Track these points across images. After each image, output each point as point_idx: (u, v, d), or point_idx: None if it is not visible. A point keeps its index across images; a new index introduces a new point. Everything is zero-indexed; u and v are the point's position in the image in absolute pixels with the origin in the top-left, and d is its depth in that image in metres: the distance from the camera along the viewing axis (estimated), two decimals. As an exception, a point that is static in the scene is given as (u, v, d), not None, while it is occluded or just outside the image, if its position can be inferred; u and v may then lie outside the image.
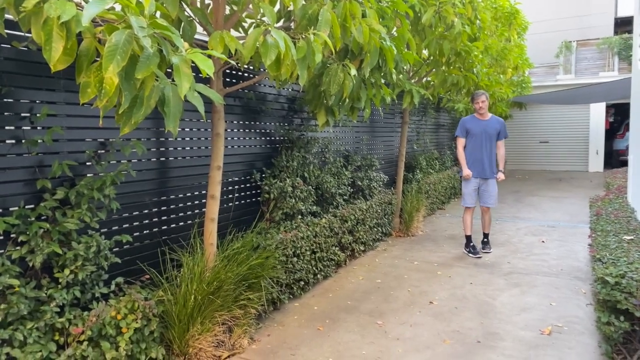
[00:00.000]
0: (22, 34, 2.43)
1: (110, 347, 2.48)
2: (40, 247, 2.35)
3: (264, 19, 2.74)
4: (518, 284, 4.46)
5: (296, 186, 4.29)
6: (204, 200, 3.65)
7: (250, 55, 2.44)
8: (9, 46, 2.39)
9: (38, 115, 2.48)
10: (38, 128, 2.53)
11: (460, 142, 5.65)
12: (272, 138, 4.46)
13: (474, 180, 5.54)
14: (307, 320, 3.70)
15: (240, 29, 3.54)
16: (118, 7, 1.75)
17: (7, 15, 1.84)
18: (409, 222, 6.55)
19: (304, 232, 4.17)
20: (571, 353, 3.11)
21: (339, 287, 4.48)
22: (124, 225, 3.04)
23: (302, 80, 2.64)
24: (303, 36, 2.63)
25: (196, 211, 3.61)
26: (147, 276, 3.08)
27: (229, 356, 3.08)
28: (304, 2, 2.86)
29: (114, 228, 2.96)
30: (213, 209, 3.21)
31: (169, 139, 3.36)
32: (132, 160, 3.09)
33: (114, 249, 2.92)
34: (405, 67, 5.71)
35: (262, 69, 4.09)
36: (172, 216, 3.41)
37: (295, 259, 4.03)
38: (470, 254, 5.52)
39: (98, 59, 1.70)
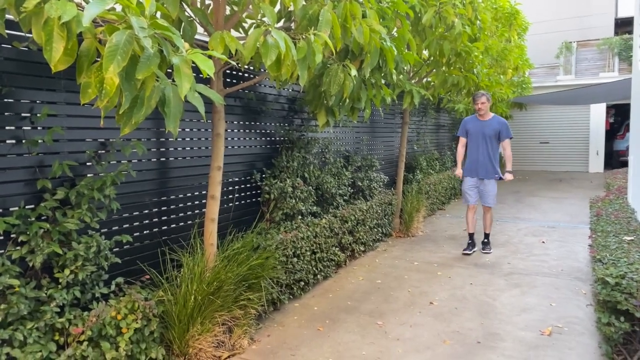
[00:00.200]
0: (23, 34, 2.43)
1: (110, 347, 2.48)
2: (41, 247, 2.35)
3: (264, 19, 2.74)
4: (518, 284, 4.46)
5: (296, 186, 4.29)
6: (204, 201, 3.65)
7: (251, 56, 2.44)
8: (9, 46, 2.39)
9: (38, 115, 2.48)
10: (38, 128, 2.53)
11: (461, 141, 5.82)
12: (273, 138, 4.46)
13: (469, 179, 5.67)
14: (307, 321, 3.70)
15: (241, 30, 3.54)
16: (119, 8, 1.75)
17: (7, 16, 1.85)
18: (409, 222, 6.55)
19: (304, 232, 4.17)
20: (571, 354, 3.10)
21: (339, 287, 4.48)
22: (124, 226, 3.04)
23: (303, 81, 2.64)
24: (303, 36, 2.63)
25: (196, 211, 3.61)
26: (147, 276, 3.08)
27: (229, 356, 3.08)
28: (304, 3, 2.86)
29: (114, 228, 2.96)
30: (213, 209, 3.21)
31: (169, 140, 3.36)
32: (133, 161, 3.09)
33: (114, 249, 2.91)
34: (405, 68, 5.71)
35: (262, 70, 4.09)
36: (172, 216, 3.41)
37: (295, 259, 4.03)
38: (464, 250, 5.64)
39: (99, 59, 1.70)
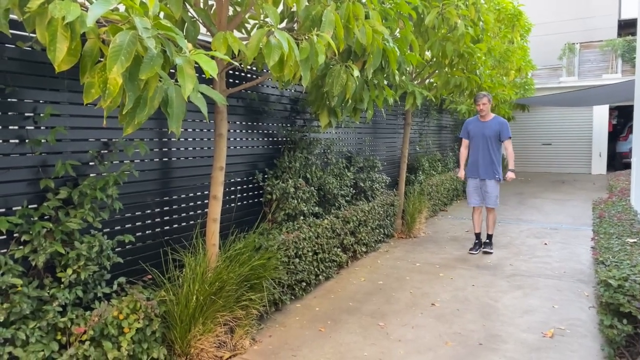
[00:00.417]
0: (27, 34, 2.44)
1: (112, 347, 2.48)
2: (43, 246, 2.36)
3: (267, 19, 2.74)
4: (520, 286, 4.45)
5: (298, 187, 4.29)
6: (206, 201, 3.65)
7: (254, 56, 2.45)
8: (13, 46, 2.40)
9: (42, 115, 2.49)
10: (42, 128, 2.53)
11: (463, 143, 5.87)
12: (275, 139, 4.47)
13: (472, 180, 5.70)
14: (309, 321, 3.70)
15: (244, 30, 3.54)
16: (122, 8, 1.76)
17: (11, 16, 1.85)
18: (411, 223, 6.55)
19: (306, 233, 4.17)
20: (573, 356, 3.09)
21: (340, 288, 4.47)
22: (127, 225, 3.05)
23: (305, 81, 2.64)
24: (306, 37, 2.63)
25: (198, 211, 3.61)
26: (150, 276, 3.08)
27: (230, 357, 3.08)
28: (307, 3, 2.86)
29: (116, 228, 2.96)
30: (215, 210, 3.22)
31: (172, 140, 3.36)
32: (135, 161, 3.09)
33: (117, 249, 2.92)
34: (408, 69, 5.72)
35: (265, 70, 4.09)
36: (174, 216, 3.42)
37: (297, 259, 4.03)
38: (470, 250, 5.71)
39: (102, 59, 1.71)
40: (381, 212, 5.93)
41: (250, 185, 4.17)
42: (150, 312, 2.69)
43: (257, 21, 3.36)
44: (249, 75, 4.08)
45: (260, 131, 4.27)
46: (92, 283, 2.63)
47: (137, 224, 3.12)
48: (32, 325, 2.25)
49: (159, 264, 3.22)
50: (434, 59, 5.74)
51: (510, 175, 5.53)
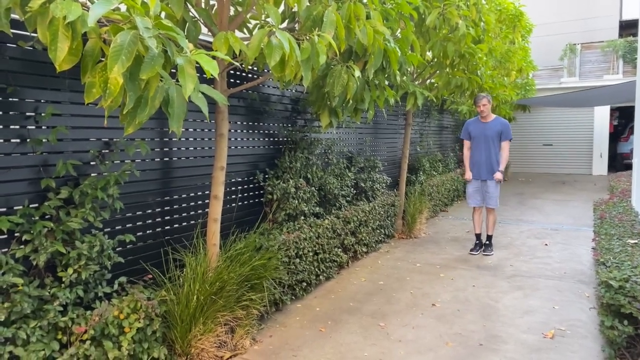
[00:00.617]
0: (28, 33, 2.44)
1: (112, 347, 2.48)
2: (44, 246, 2.36)
3: (268, 20, 2.75)
4: (521, 286, 4.45)
5: (299, 187, 4.29)
6: (207, 201, 3.65)
7: (255, 56, 2.45)
8: (14, 46, 2.40)
9: (43, 114, 2.49)
10: (43, 127, 2.54)
11: (465, 144, 5.84)
12: (276, 139, 4.47)
13: (474, 181, 5.70)
14: (309, 322, 3.70)
15: (245, 30, 3.54)
16: (123, 8, 1.76)
17: (13, 15, 1.85)
18: (411, 224, 6.54)
19: (306, 233, 4.17)
20: (574, 357, 3.09)
21: (341, 288, 4.47)
22: (128, 225, 3.05)
23: (306, 82, 2.64)
24: (307, 37, 2.63)
25: (199, 211, 3.61)
26: (150, 276, 3.09)
27: (231, 357, 3.08)
28: (308, 4, 2.86)
29: (117, 228, 2.97)
30: (216, 210, 3.22)
31: (173, 140, 3.36)
32: (136, 160, 3.09)
33: (117, 249, 2.92)
34: (409, 69, 5.72)
35: (266, 70, 4.09)
36: (175, 216, 3.42)
37: (297, 260, 4.03)
38: (470, 250, 5.71)
39: (103, 59, 1.71)
40: (382, 212, 5.93)
41: (251, 185, 4.17)
42: (151, 312, 2.69)
43: (258, 21, 3.36)
44: (250, 76, 4.08)
45: (261, 131, 4.27)
46: (93, 282, 2.63)
47: (138, 223, 3.12)
48: (32, 325, 2.25)
49: (159, 263, 3.22)
50: (435, 60, 5.74)
51: (497, 175, 5.50)
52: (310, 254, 4.23)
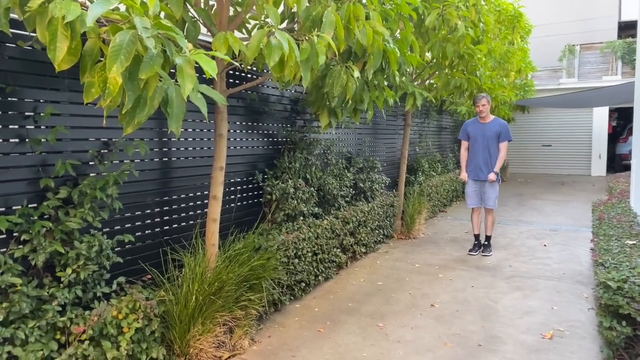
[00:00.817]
0: (27, 33, 2.44)
1: (111, 347, 2.48)
2: (43, 246, 2.36)
3: (267, 20, 2.75)
4: (520, 287, 4.45)
5: (298, 187, 4.29)
6: (206, 201, 3.65)
7: (254, 57, 2.45)
8: (13, 45, 2.40)
9: (42, 114, 2.49)
10: (42, 127, 2.53)
11: (463, 145, 5.84)
12: (275, 139, 4.47)
13: (471, 182, 5.70)
14: (308, 322, 3.70)
15: (244, 30, 3.55)
16: (122, 8, 1.76)
17: (12, 15, 1.85)
18: (410, 224, 6.55)
19: (305, 233, 4.17)
20: (573, 357, 3.09)
21: (340, 288, 4.47)
22: (126, 225, 3.05)
23: (306, 82, 2.64)
24: (307, 38, 2.63)
25: (198, 212, 3.61)
26: (149, 276, 3.08)
27: (229, 357, 3.08)
28: (307, 4, 2.87)
29: (116, 227, 2.96)
30: (215, 210, 3.22)
31: (172, 140, 3.36)
32: (135, 160, 3.09)
33: (116, 249, 2.92)
34: (408, 70, 5.72)
35: (265, 70, 4.09)
36: (174, 216, 3.42)
37: (296, 260, 4.03)
38: (469, 251, 5.72)
39: (102, 59, 1.71)
40: (381, 212, 5.93)
41: (250, 186, 4.17)
42: (150, 312, 2.69)
43: (257, 21, 3.37)
44: (249, 76, 4.08)
45: (260, 131, 4.27)
46: (92, 283, 2.63)
47: (136, 223, 3.12)
48: (31, 325, 2.24)
49: (158, 263, 3.21)
50: (434, 60, 5.74)
51: (491, 175, 5.49)
52: (309, 254, 4.23)
